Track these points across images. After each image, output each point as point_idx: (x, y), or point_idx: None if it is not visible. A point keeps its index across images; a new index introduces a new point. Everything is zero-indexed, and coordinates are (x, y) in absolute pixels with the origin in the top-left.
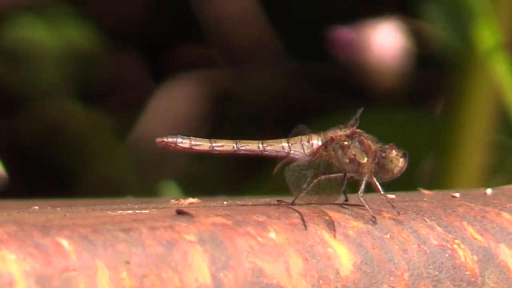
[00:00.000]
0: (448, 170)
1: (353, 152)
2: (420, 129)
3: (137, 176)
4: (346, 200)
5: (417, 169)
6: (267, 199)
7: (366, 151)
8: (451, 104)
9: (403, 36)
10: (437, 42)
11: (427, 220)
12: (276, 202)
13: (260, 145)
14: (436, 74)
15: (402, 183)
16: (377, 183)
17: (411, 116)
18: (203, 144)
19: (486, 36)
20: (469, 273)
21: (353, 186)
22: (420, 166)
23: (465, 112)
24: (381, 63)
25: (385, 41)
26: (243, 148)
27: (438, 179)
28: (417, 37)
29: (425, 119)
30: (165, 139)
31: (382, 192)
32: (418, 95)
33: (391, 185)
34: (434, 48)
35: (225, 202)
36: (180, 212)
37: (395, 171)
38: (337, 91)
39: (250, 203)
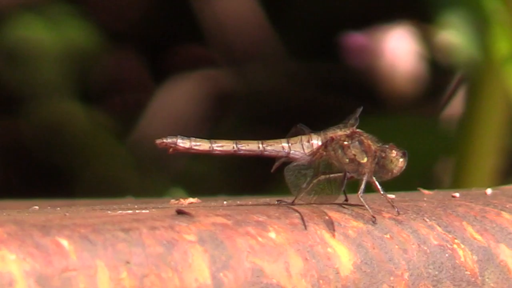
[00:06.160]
0: (461, 176)
1: (353, 152)
2: (432, 135)
3: (137, 176)
4: (346, 200)
5: (429, 174)
6: (267, 199)
7: (366, 151)
8: (464, 110)
9: (416, 41)
10: (451, 48)
11: (427, 220)
12: (276, 202)
13: (260, 145)
14: (449, 80)
15: (414, 187)
16: (377, 183)
17: (423, 122)
18: (203, 145)
19: (501, 45)
20: (469, 273)
21: (353, 186)
22: (432, 171)
23: (479, 118)
24: (393, 69)
25: (397, 46)
26: (243, 148)
27: (451, 185)
28: (430, 43)
29: (437, 125)
30: (164, 140)
31: (382, 192)
32: (430, 100)
33: (392, 185)
34: (447, 54)
35: (225, 202)
36: (180, 212)
37: (395, 171)
38: (340, 93)
39: (250, 203)
